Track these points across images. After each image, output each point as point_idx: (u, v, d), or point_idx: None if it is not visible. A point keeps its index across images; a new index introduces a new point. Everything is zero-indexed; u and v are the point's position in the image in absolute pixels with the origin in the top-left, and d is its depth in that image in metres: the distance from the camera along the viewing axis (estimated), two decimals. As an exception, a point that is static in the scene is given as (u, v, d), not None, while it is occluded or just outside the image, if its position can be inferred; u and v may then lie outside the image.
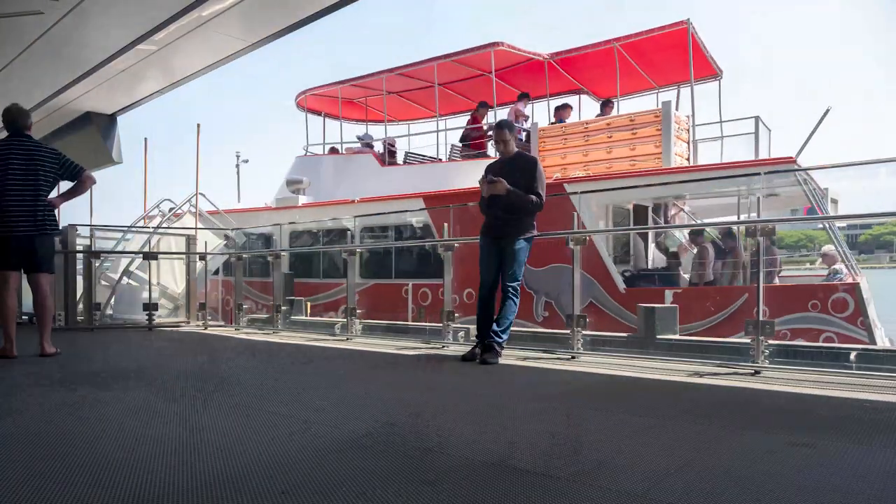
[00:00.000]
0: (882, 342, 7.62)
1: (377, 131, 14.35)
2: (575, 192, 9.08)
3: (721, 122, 10.45)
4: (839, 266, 8.24)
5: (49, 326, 4.70)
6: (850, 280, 7.90)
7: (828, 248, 8.47)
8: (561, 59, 11.59)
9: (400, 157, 13.39)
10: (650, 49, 10.81)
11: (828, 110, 8.31)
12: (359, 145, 13.84)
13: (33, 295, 4.65)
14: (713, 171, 8.93)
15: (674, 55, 10.68)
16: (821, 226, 9.63)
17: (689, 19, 9.89)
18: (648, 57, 11.08)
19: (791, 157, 8.12)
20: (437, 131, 12.95)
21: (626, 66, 11.10)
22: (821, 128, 8.15)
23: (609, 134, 10.18)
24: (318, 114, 14.69)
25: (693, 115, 10.39)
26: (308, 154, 14.37)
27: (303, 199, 12.90)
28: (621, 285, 8.82)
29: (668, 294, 8.35)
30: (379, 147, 13.43)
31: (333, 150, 14.26)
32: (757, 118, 9.72)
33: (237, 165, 25.85)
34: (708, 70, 11.20)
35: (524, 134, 11.30)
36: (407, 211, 10.89)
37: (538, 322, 9.03)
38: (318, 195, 12.97)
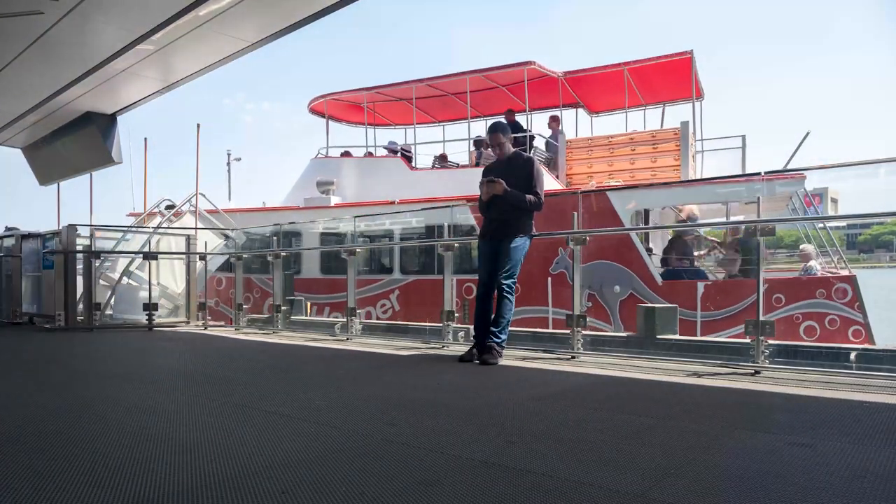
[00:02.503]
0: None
1: (398, 136, 15.32)
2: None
3: (716, 138, 11.91)
4: (813, 263, 8.95)
5: None
6: (846, 273, 8.67)
7: (805, 246, 9.09)
8: (570, 77, 12.60)
9: (426, 162, 13.90)
10: (651, 72, 11.96)
11: (807, 133, 9.61)
12: (385, 149, 14.21)
13: None
14: (742, 182, 9.78)
15: (670, 79, 11.94)
16: (821, 225, 10.13)
17: (692, 50, 11.19)
18: (648, 79, 12.23)
19: (802, 174, 8.82)
20: (469, 138, 13.41)
21: (625, 84, 12.30)
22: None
23: (632, 147, 11.46)
24: (322, 115, 14.77)
25: (695, 132, 11.48)
26: (326, 157, 14.44)
27: (335, 200, 13.00)
28: (659, 278, 9.65)
29: (700, 286, 9.13)
30: (412, 152, 13.96)
31: (347, 154, 14.45)
32: (743, 136, 11.16)
33: (228, 164, 25.11)
34: (697, 92, 12.56)
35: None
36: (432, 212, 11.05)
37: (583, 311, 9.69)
38: (342, 196, 13.34)
